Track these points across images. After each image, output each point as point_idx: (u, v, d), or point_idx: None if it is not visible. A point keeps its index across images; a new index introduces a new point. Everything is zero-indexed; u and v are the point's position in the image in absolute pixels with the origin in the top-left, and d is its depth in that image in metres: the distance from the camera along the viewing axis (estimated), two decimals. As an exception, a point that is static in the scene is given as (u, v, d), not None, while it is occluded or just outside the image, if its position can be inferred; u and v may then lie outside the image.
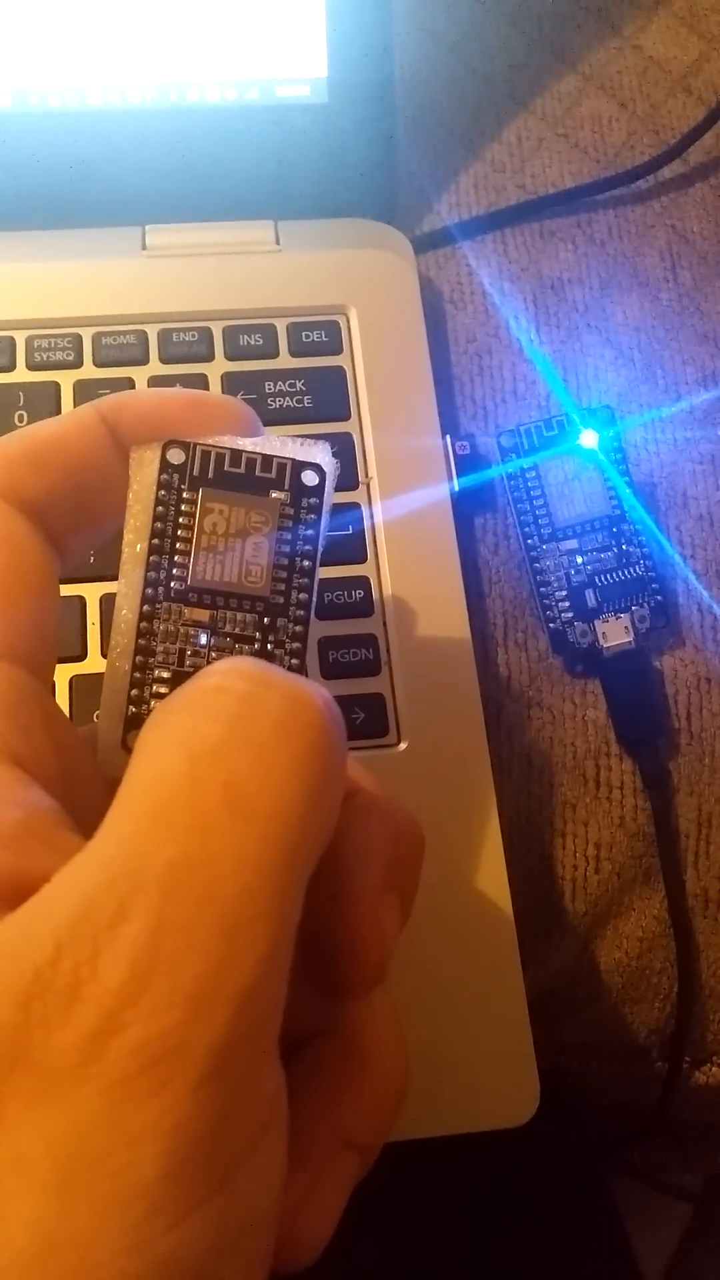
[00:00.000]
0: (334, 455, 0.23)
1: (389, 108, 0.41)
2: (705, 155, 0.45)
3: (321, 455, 0.23)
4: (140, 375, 0.37)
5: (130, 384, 0.37)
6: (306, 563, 0.22)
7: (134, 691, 0.22)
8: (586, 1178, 0.48)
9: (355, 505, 0.36)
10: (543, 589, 0.36)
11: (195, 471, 0.22)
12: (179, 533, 0.22)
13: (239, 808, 0.17)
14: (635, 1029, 0.35)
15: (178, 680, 0.21)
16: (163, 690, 0.21)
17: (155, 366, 0.37)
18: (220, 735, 0.18)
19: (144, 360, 0.38)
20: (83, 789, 0.21)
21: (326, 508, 0.22)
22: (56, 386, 0.37)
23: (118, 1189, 0.15)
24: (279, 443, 0.23)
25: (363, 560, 0.35)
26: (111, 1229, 0.15)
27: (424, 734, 0.33)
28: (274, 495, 0.22)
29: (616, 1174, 0.50)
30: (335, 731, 0.19)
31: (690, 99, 0.46)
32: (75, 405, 0.37)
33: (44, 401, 0.37)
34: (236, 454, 0.22)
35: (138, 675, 0.22)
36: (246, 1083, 0.17)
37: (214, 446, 0.22)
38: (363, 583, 0.35)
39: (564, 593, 0.36)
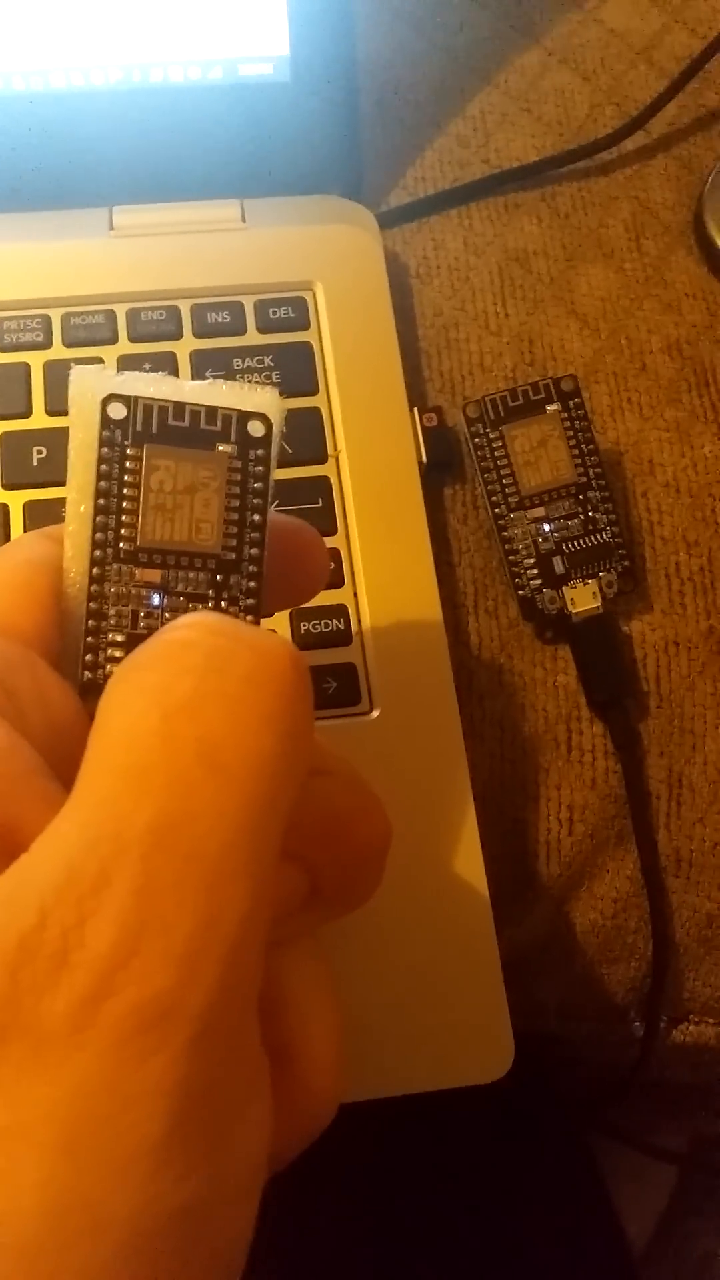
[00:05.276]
0: (280, 395, 0.22)
1: (352, 84, 0.41)
2: (667, 126, 0.45)
3: (269, 402, 0.22)
4: (109, 354, 0.38)
5: (100, 363, 0.37)
6: (256, 516, 0.22)
7: (88, 656, 0.21)
8: (570, 1141, 0.49)
9: (324, 478, 0.36)
10: (511, 557, 0.36)
11: (139, 427, 0.21)
12: (125, 491, 0.21)
13: (214, 763, 0.17)
14: (612, 989, 0.36)
15: (132, 643, 0.20)
16: (118, 654, 0.21)
17: (124, 345, 0.38)
18: (191, 690, 0.18)
19: (113, 340, 0.38)
20: (78, 763, 0.21)
21: (274, 456, 0.22)
22: (27, 368, 0.37)
23: (124, 1149, 0.15)
24: (225, 389, 0.22)
25: (333, 532, 0.36)
26: (121, 1189, 0.15)
27: (396, 702, 0.34)
28: (220, 449, 0.21)
29: (600, 1137, 0.51)
30: (303, 683, 0.19)
31: (652, 71, 0.46)
32: (46, 386, 0.37)
33: (14, 382, 0.37)
34: (180, 406, 0.21)
35: (90, 640, 0.21)
36: (237, 1038, 0.17)
37: (156, 400, 0.21)
38: (333, 554, 0.35)
39: (532, 560, 0.36)
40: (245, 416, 0.22)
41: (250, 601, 0.22)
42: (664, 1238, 0.57)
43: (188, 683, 0.18)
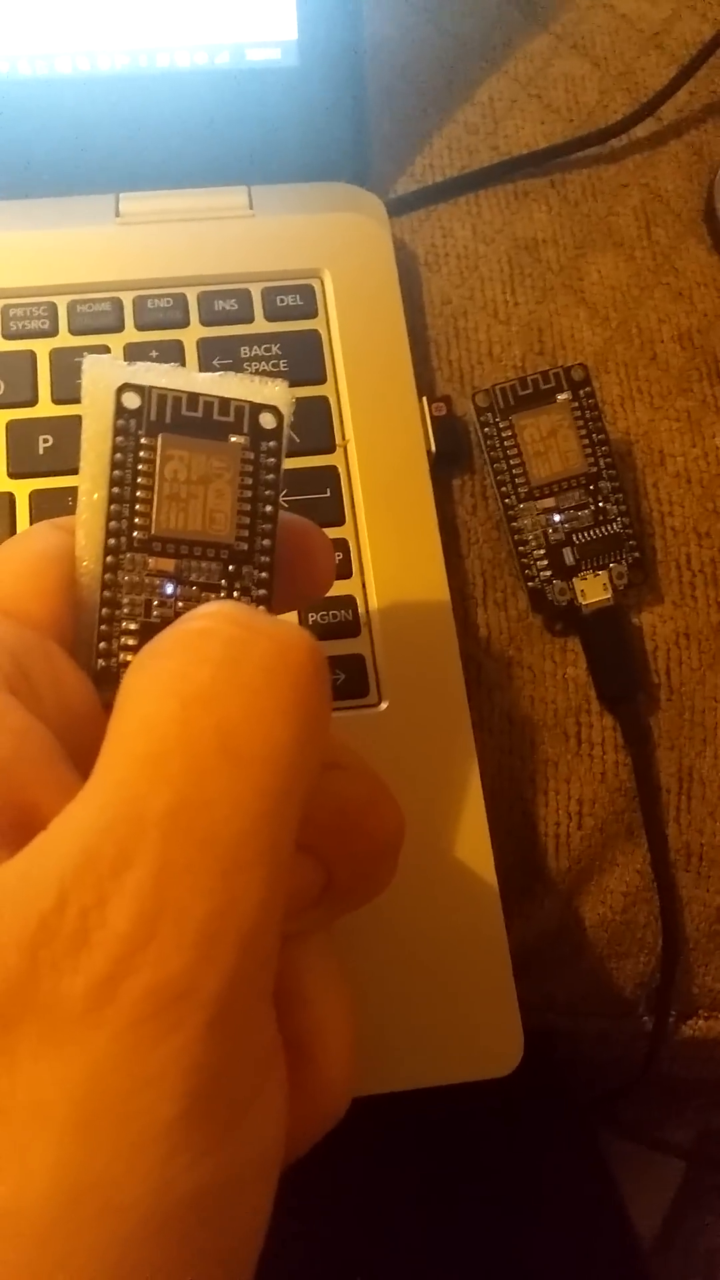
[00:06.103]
0: (289, 385, 0.22)
1: (360, 70, 0.41)
2: (678, 113, 0.45)
3: (279, 395, 0.22)
4: (116, 343, 0.37)
5: (106, 351, 0.37)
6: (269, 507, 0.22)
7: (102, 645, 0.21)
8: (578, 1136, 0.49)
9: (332, 468, 0.36)
10: (521, 548, 0.36)
11: (153, 417, 0.21)
12: (139, 480, 0.21)
13: (232, 751, 0.17)
14: (621, 984, 0.36)
15: (146, 632, 0.21)
16: (131, 643, 0.21)
17: (131, 334, 0.37)
18: (210, 678, 0.18)
19: (119, 328, 0.37)
20: (92, 749, 0.21)
21: (284, 448, 0.22)
22: (33, 355, 0.37)
23: (138, 1131, 0.15)
24: (236, 381, 0.22)
25: (341, 523, 0.35)
26: (135, 1171, 0.15)
27: (404, 694, 0.34)
28: (234, 440, 0.22)
29: (609, 1133, 0.50)
30: (321, 674, 0.19)
31: (663, 56, 0.46)
32: (52, 374, 0.37)
33: (20, 370, 0.36)
34: (194, 397, 0.21)
35: (104, 629, 0.21)
36: (251, 1024, 0.17)
37: (170, 390, 0.21)
38: (341, 545, 0.35)
39: (542, 551, 0.36)
40: (258, 408, 0.22)
41: (262, 592, 0.22)
42: (672, 1232, 0.57)
43: (206, 671, 0.18)
